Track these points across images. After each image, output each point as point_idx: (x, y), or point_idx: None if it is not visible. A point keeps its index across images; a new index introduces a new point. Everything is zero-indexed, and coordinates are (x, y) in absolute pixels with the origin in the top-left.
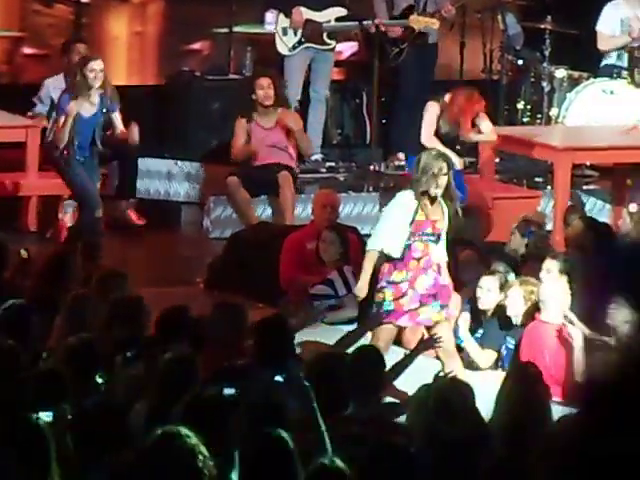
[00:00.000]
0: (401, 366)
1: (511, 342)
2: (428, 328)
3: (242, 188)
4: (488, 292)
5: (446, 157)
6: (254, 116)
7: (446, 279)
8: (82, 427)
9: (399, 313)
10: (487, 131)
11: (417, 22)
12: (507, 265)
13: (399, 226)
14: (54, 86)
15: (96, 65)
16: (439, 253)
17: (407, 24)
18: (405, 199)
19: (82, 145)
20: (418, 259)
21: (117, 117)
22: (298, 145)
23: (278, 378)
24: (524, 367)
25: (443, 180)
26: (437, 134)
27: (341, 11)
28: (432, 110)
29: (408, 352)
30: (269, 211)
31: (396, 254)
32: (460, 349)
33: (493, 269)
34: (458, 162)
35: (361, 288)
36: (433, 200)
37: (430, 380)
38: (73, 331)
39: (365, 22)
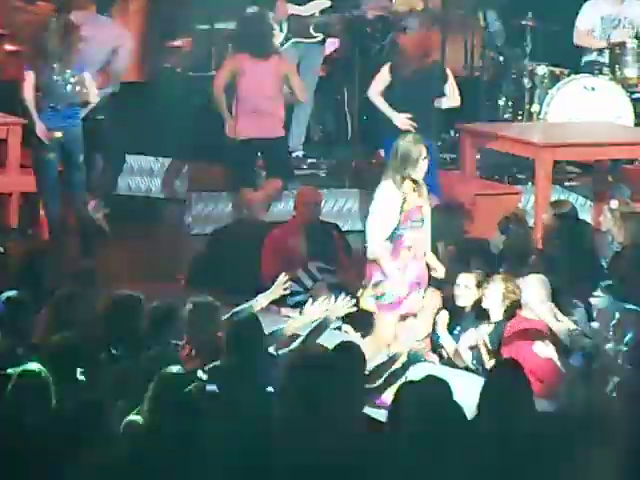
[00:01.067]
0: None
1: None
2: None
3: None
4: (466, 289)
5: (422, 141)
6: (247, 56)
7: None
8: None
9: (395, 304)
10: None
11: (401, 4)
12: (487, 262)
13: (390, 225)
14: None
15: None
16: (426, 238)
17: (392, 10)
18: (388, 193)
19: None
20: (409, 247)
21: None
22: (292, 88)
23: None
24: (506, 363)
25: (424, 164)
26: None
27: (324, 3)
28: (383, 69)
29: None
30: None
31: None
32: (439, 346)
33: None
34: (398, 120)
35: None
36: (415, 185)
37: None
38: (58, 328)
39: (350, 13)
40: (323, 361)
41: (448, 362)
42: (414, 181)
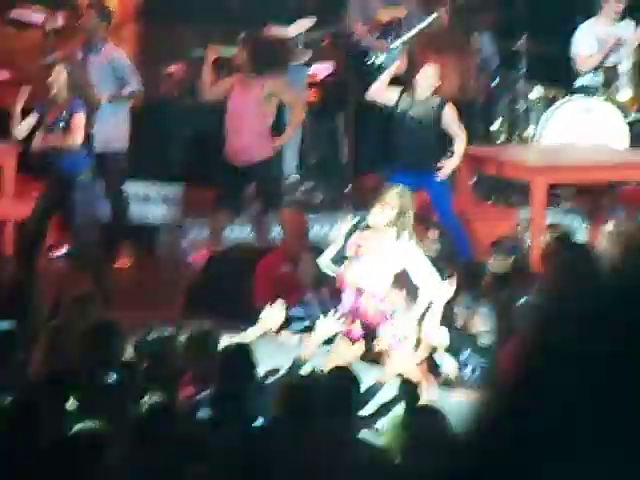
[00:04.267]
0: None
1: (481, 361)
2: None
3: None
4: (467, 309)
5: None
6: (236, 78)
7: (369, 303)
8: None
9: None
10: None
11: (384, 14)
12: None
13: (334, 248)
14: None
15: (57, 72)
16: (364, 275)
17: (374, 20)
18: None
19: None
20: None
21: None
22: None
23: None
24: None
25: (378, 212)
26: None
27: (309, 22)
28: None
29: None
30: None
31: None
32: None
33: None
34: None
35: None
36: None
37: None
38: (52, 360)
39: (336, 29)
40: (317, 387)
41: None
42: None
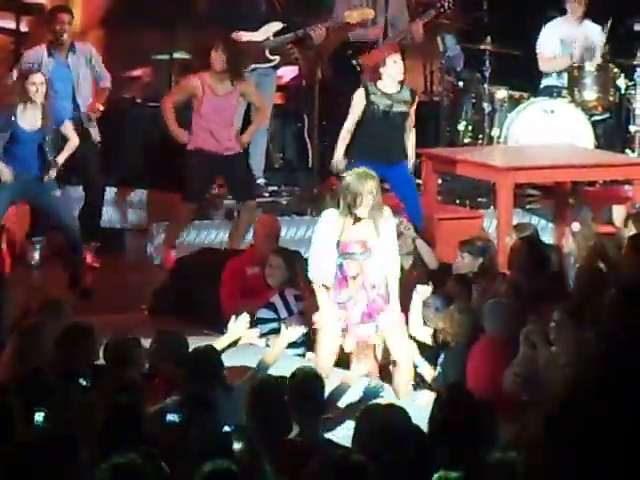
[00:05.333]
0: (342, 390)
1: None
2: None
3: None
4: (436, 311)
5: (374, 177)
6: (206, 77)
7: (379, 296)
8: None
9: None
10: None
11: (351, 17)
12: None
13: (327, 251)
14: (32, 57)
15: (36, 78)
16: (375, 270)
17: (342, 22)
18: (328, 219)
19: (25, 161)
20: (354, 277)
21: (68, 128)
22: (256, 114)
23: (227, 428)
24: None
25: (368, 200)
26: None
27: (277, 25)
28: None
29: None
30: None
31: (330, 280)
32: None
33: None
34: None
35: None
36: (359, 221)
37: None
38: (22, 362)
39: (302, 30)
40: (280, 388)
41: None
42: (358, 218)
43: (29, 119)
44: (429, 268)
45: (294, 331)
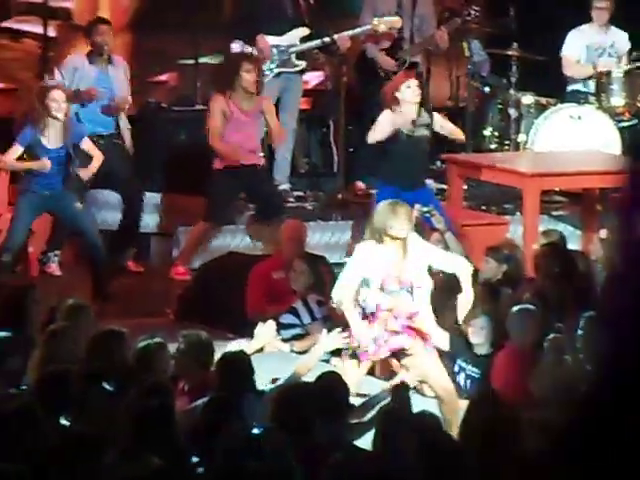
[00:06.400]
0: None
1: (474, 371)
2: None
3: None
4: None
5: (405, 204)
6: (233, 96)
7: (418, 324)
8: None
9: (365, 356)
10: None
11: (379, 25)
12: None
13: (354, 282)
14: (75, 63)
15: (57, 95)
16: (412, 304)
17: (370, 30)
18: (361, 253)
19: (47, 177)
20: (389, 310)
21: (87, 144)
22: (271, 134)
23: (256, 430)
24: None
25: (406, 224)
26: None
27: (304, 31)
28: (384, 115)
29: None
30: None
31: (346, 304)
32: None
33: None
34: None
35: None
36: (397, 245)
37: None
38: (49, 366)
39: (329, 38)
40: (306, 392)
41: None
42: (395, 239)
43: (51, 136)
44: None
45: (331, 343)
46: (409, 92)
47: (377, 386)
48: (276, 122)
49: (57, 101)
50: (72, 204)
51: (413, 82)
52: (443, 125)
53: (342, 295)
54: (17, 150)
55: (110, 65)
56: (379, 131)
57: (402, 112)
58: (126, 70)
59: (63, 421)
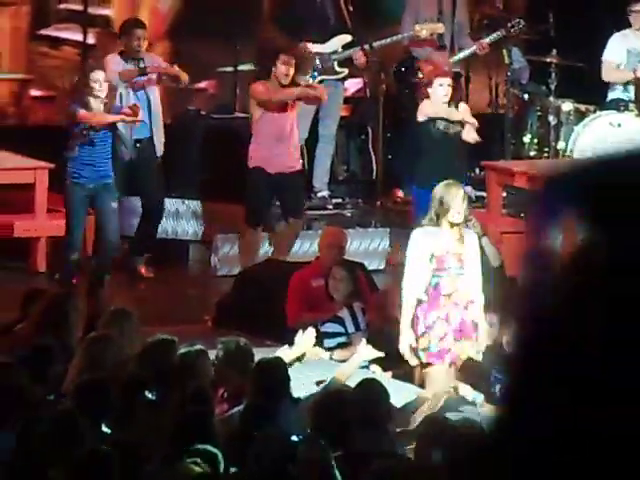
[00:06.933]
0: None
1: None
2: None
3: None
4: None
5: (459, 185)
6: (270, 88)
7: (472, 315)
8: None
9: (443, 352)
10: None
11: (421, 31)
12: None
13: (418, 268)
14: (114, 62)
15: (99, 75)
16: (468, 287)
17: (412, 36)
18: (416, 238)
19: (95, 164)
20: (448, 295)
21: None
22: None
23: (294, 438)
24: None
25: (462, 207)
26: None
27: (346, 38)
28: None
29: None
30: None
31: (421, 294)
32: None
33: None
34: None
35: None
36: (454, 231)
37: None
38: (90, 373)
39: (368, 44)
40: (344, 399)
41: None
42: (452, 225)
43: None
44: (492, 265)
45: (370, 353)
46: (440, 91)
47: (412, 392)
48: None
49: (99, 81)
50: (111, 201)
51: (446, 80)
52: (466, 117)
53: (411, 287)
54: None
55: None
56: (422, 113)
57: (432, 106)
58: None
59: (104, 428)
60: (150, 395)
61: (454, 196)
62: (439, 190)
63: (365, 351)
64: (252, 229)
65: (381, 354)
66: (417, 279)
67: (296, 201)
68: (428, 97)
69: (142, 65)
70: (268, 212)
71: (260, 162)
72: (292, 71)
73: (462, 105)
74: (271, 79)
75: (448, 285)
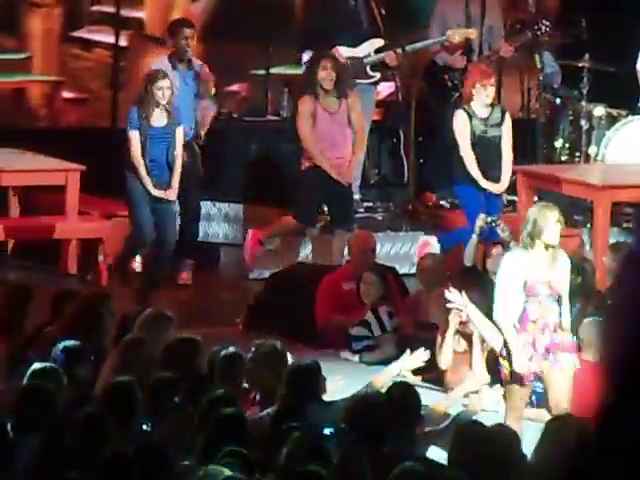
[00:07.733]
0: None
1: (538, 386)
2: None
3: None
4: None
5: (555, 207)
6: (319, 98)
7: (561, 337)
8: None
9: (528, 375)
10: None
11: (454, 36)
12: None
13: (511, 296)
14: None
15: (164, 83)
16: (557, 314)
17: (445, 41)
18: (509, 263)
19: (157, 160)
20: (534, 321)
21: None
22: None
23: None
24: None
25: (557, 229)
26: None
27: (378, 42)
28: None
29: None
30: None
31: (515, 321)
32: None
33: None
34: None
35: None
36: (548, 254)
37: None
38: (123, 375)
39: (400, 49)
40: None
41: None
42: (547, 247)
43: (157, 120)
44: None
45: (412, 362)
46: (483, 92)
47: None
48: (358, 119)
49: (162, 89)
50: (172, 204)
51: (489, 82)
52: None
53: (504, 315)
54: (134, 135)
55: (190, 70)
56: (465, 135)
57: (474, 109)
58: (206, 73)
59: (133, 430)
60: (176, 399)
61: (548, 217)
62: (533, 212)
63: (408, 360)
64: (302, 228)
65: (422, 364)
66: (511, 307)
67: (344, 213)
68: (469, 100)
69: (192, 69)
70: (316, 216)
71: (313, 162)
72: (334, 75)
73: (507, 117)
74: (317, 88)
75: (535, 311)
